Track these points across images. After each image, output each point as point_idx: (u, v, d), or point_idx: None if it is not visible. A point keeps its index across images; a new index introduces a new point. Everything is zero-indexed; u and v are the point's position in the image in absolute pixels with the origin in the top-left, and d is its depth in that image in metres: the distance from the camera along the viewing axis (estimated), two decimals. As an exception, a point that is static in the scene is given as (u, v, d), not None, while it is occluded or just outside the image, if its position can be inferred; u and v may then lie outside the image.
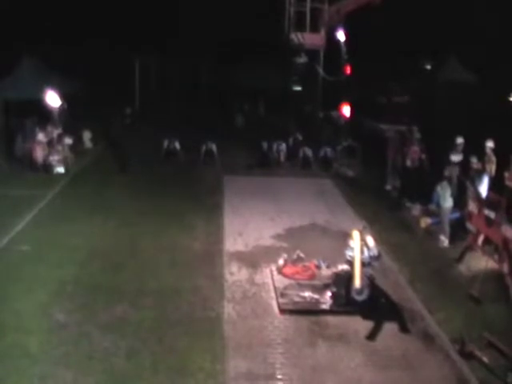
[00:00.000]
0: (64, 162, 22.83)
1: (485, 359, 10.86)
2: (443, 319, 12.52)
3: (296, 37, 31.51)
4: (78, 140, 25.89)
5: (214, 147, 25.06)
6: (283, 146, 26.11)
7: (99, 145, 27.01)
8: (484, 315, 12.66)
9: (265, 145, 25.66)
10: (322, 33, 31.61)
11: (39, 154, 22.79)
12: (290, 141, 26.83)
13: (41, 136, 23.20)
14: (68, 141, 23.96)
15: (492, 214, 15.11)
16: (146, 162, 23.97)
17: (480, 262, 14.95)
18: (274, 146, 25.91)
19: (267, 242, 16.54)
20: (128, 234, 16.48)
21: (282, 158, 26.02)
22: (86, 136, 26.76)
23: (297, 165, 25.29)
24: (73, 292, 12.98)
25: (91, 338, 11.19)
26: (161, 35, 36.74)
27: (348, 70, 29.03)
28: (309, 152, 25.59)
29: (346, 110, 25.84)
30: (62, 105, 24.17)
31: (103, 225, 17.05)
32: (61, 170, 22.51)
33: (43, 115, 24.02)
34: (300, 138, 27.11)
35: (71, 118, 25.79)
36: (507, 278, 13.54)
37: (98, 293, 12.93)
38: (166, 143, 25.30)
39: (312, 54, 31.89)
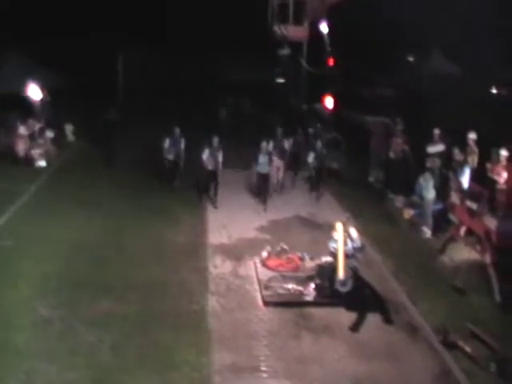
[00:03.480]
0: (46, 156, 22.65)
1: (468, 349, 10.96)
2: (427, 310, 12.60)
3: (279, 29, 31.49)
4: (60, 133, 25.66)
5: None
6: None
7: (81, 138, 26.76)
8: (467, 306, 12.77)
9: (262, 158, 19.12)
10: (306, 25, 31.61)
11: (21, 147, 22.54)
12: (290, 142, 21.31)
13: (22, 129, 22.95)
14: (50, 134, 23.75)
15: (474, 206, 15.23)
16: (130, 157, 23.82)
17: (463, 253, 15.13)
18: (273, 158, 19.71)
19: (251, 234, 16.57)
20: (112, 228, 16.39)
21: (281, 174, 20.53)
22: (68, 129, 26.53)
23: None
24: (57, 287, 12.88)
25: (76, 333, 11.14)
26: (144, 28, 36.47)
27: (331, 62, 29.07)
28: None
29: (329, 102, 25.80)
30: (43, 98, 23.97)
31: (87, 219, 16.88)
32: (42, 163, 22.33)
33: (25, 109, 23.82)
34: (301, 139, 22.63)
35: (53, 111, 25.58)
36: (489, 269, 13.65)
37: (83, 287, 12.84)
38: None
39: (295, 46, 31.88)
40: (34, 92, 23.29)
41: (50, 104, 25.41)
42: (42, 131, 23.62)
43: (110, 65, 34.64)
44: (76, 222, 16.58)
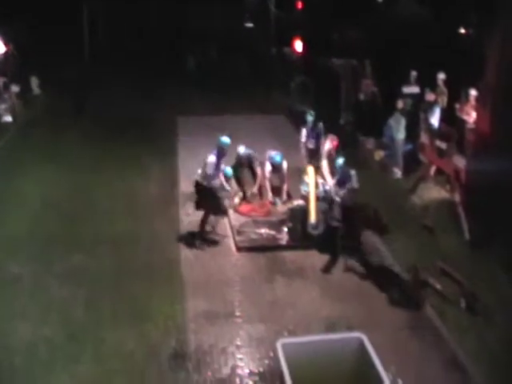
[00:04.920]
0: (12, 111, 22.19)
1: (438, 286, 11.14)
2: (398, 249, 12.72)
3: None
4: (26, 87, 25.07)
5: None
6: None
7: (48, 91, 26.20)
8: (437, 244, 12.92)
9: None
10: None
11: (-16, 103, 22.11)
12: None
13: (-15, 85, 22.47)
14: (15, 88, 23.20)
15: (444, 145, 15.30)
16: (98, 107, 23.46)
17: (432, 193, 15.28)
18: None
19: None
20: (82, 182, 16.18)
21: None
22: (34, 82, 25.92)
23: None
24: (28, 244, 12.77)
25: (48, 289, 11.08)
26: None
27: (300, 5, 28.71)
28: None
29: (298, 46, 25.59)
30: (7, 51, 23.42)
31: (56, 174, 16.65)
32: (8, 118, 21.86)
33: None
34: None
35: (18, 65, 24.99)
36: (459, 207, 13.80)
37: (54, 243, 12.76)
38: None
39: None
40: (-4, 45, 22.78)
41: (15, 57, 24.85)
42: (6, 86, 23.09)
43: (73, 15, 33.74)
44: (45, 177, 16.36)
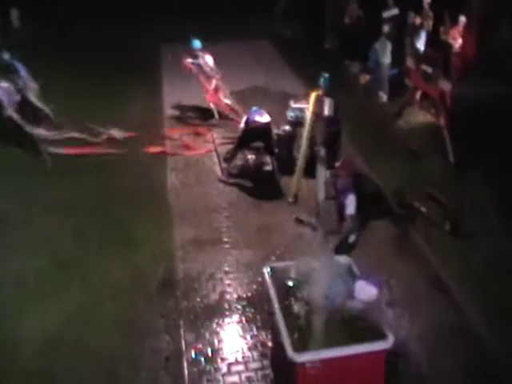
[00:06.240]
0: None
1: (423, 210, 11.24)
2: (383, 173, 12.70)
3: None
4: (5, 20, 24.27)
5: None
6: None
7: (28, 23, 25.38)
8: (422, 168, 12.96)
9: None
10: None
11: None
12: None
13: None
14: (-5, 22, 22.55)
15: (429, 69, 15.19)
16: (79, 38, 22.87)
17: (418, 117, 15.23)
18: None
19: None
20: (65, 114, 15.68)
21: None
22: (14, 14, 25.10)
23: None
24: (11, 177, 12.62)
25: (36, 222, 11.04)
26: None
27: None
28: None
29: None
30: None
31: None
32: (-12, 52, 21.30)
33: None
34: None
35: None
36: (444, 131, 13.81)
37: (37, 175, 12.64)
38: None
39: None
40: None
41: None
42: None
43: None
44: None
